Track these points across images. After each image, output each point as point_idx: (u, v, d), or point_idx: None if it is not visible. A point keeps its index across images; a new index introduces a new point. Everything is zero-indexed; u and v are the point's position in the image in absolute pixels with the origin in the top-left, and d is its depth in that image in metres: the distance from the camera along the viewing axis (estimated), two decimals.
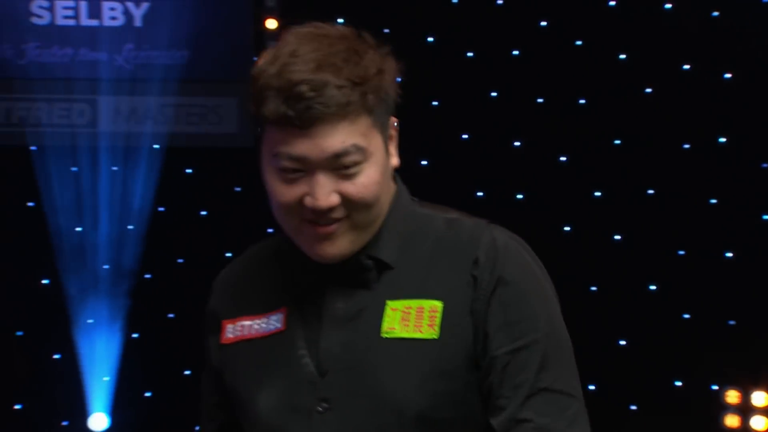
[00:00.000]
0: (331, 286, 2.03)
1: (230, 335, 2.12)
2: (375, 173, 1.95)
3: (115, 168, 6.72)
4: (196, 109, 6.75)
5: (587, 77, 6.75)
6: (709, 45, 6.68)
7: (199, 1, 6.67)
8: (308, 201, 1.92)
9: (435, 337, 1.95)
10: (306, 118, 1.87)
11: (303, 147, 1.90)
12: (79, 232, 6.62)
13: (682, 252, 6.71)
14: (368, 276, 2.02)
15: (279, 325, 2.06)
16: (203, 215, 6.83)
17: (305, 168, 1.92)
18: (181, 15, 6.57)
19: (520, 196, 6.81)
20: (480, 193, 6.80)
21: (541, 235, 6.64)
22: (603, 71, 6.73)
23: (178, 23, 6.55)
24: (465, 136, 6.82)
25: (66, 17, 6.68)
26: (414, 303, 1.98)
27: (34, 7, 6.66)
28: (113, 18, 6.71)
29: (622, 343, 6.71)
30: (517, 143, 6.82)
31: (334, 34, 1.96)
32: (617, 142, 6.76)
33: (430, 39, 6.82)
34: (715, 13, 6.68)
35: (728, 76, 6.70)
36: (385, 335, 1.97)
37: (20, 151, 6.62)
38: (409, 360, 1.96)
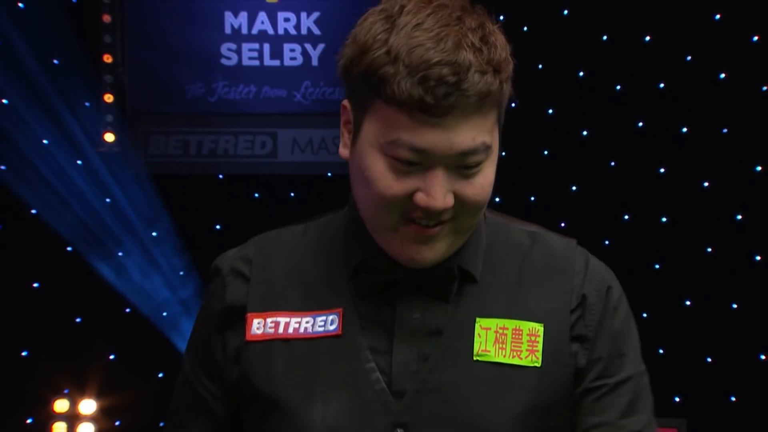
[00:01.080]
0: (402, 293, 1.71)
1: (258, 332, 1.74)
2: (492, 174, 1.65)
3: (292, 194, 6.95)
4: None
5: (730, 108, 6.68)
6: None
7: None
8: (421, 199, 1.61)
9: (537, 365, 1.69)
10: (443, 106, 1.55)
11: (430, 139, 1.57)
12: None
13: None
14: (450, 288, 1.71)
15: (334, 328, 1.71)
16: None
17: (424, 161, 1.60)
18: None
19: (664, 219, 6.78)
20: (626, 217, 6.81)
21: (683, 255, 6.83)
22: (745, 102, 6.66)
23: None
24: (612, 163, 6.85)
25: (251, 58, 6.93)
26: (510, 323, 1.70)
27: (223, 50, 6.93)
28: (293, 58, 6.94)
29: (763, 357, 6.64)
30: (662, 170, 6.83)
31: (453, 3, 1.63)
32: (758, 168, 6.69)
33: (581, 73, 6.87)
34: None
35: None
36: (477, 358, 1.68)
37: (209, 180, 6.94)
38: (505, 389, 1.67)
